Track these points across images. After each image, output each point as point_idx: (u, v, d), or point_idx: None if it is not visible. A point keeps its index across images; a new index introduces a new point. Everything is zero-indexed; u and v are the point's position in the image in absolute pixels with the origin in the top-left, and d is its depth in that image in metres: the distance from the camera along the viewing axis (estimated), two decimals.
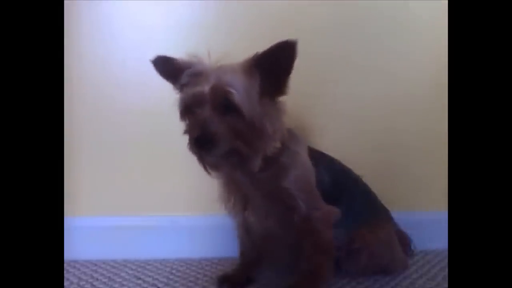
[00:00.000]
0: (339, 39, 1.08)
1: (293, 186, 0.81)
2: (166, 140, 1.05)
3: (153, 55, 0.80)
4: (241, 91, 0.72)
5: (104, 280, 0.95)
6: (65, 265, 1.02)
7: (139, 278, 0.96)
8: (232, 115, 0.72)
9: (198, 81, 0.74)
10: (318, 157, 0.88)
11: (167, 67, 0.79)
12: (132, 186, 1.08)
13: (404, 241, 1.01)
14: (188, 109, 0.76)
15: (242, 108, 0.71)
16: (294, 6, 1.06)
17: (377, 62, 1.09)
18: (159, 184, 1.08)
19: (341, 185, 0.89)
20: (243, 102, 0.71)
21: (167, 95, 0.80)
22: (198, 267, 1.02)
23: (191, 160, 0.78)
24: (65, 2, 0.79)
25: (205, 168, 0.79)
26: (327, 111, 1.10)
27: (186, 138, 0.76)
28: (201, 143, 0.72)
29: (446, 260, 1.04)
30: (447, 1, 0.66)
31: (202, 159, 0.78)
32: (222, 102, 0.72)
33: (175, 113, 0.78)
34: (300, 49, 0.72)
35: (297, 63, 0.74)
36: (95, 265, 1.03)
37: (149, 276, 0.97)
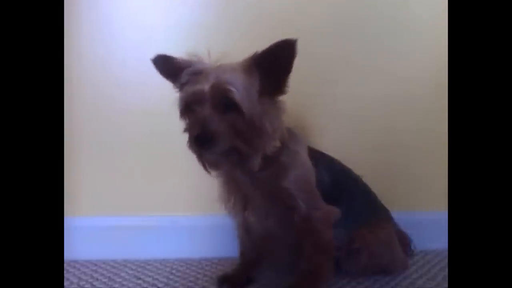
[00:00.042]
0: (339, 39, 1.08)
1: (293, 186, 0.81)
2: (166, 140, 1.05)
3: (153, 55, 0.80)
4: (241, 89, 0.72)
5: (104, 280, 0.95)
6: (65, 265, 1.02)
7: (139, 278, 0.96)
8: (232, 114, 0.72)
9: (198, 79, 0.74)
10: (318, 157, 0.88)
11: (167, 66, 0.79)
12: (132, 186, 1.08)
13: (404, 241, 1.01)
14: (188, 108, 0.76)
15: (242, 106, 0.71)
16: (294, 6, 1.06)
17: (377, 62, 1.09)
18: (159, 184, 1.08)
19: (341, 185, 0.89)
20: (243, 100, 0.72)
21: (167, 95, 0.80)
22: (198, 267, 1.02)
23: (191, 160, 0.78)
24: (65, 2, 0.80)
25: (204, 166, 0.79)
26: (327, 111, 1.10)
27: (186, 138, 0.76)
28: (201, 141, 0.72)
29: (446, 260, 1.04)
30: (447, 1, 0.65)
31: (201, 158, 0.78)
32: (222, 100, 0.72)
33: (175, 113, 0.78)
34: (300, 49, 0.72)
35: (297, 63, 0.74)
36: (95, 265, 1.03)
37: (149, 276, 0.97)
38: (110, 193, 1.08)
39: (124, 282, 0.94)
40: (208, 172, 0.80)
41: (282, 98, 0.79)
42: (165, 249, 1.08)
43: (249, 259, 0.93)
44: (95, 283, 0.94)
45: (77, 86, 1.04)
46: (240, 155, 0.74)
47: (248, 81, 0.73)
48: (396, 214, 0.99)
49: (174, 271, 1.00)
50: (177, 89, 0.80)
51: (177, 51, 0.79)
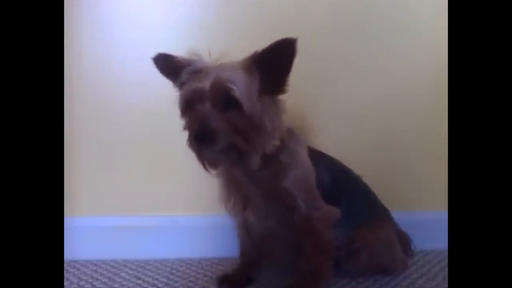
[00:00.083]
0: (339, 39, 1.08)
1: (293, 186, 0.81)
2: (166, 140, 1.05)
3: (153, 54, 0.80)
4: (241, 87, 0.72)
5: (104, 280, 0.95)
6: (65, 265, 1.02)
7: (139, 278, 0.96)
8: (232, 111, 0.72)
9: (198, 78, 0.74)
10: (318, 157, 0.88)
11: (168, 65, 0.80)
12: (132, 186, 1.08)
13: (404, 241, 1.01)
14: (188, 106, 0.76)
15: (242, 103, 0.71)
16: (294, 6, 1.06)
17: (377, 62, 1.09)
18: (159, 184, 1.08)
19: (341, 185, 0.89)
20: (244, 98, 0.72)
21: (167, 95, 0.80)
22: (198, 267, 1.02)
23: (191, 160, 0.78)
24: (65, 2, 0.80)
25: (204, 165, 0.79)
26: (327, 111, 1.10)
27: (185, 139, 0.76)
28: (201, 138, 0.72)
29: (446, 260, 1.04)
30: (447, 1, 0.65)
31: (201, 156, 0.78)
32: (223, 98, 0.72)
33: (175, 113, 0.78)
34: (300, 49, 0.72)
35: (297, 63, 0.74)
36: (95, 265, 1.03)
37: (149, 276, 0.97)
38: (110, 193, 1.08)
39: (124, 282, 0.94)
40: (208, 171, 0.80)
41: (282, 97, 0.80)
42: (165, 249, 1.08)
43: (249, 259, 0.93)
44: (95, 283, 0.94)
45: (77, 86, 1.04)
46: (240, 153, 0.74)
47: (248, 79, 0.73)
48: (396, 214, 0.99)
49: (174, 271, 1.00)
50: (177, 88, 0.80)
51: (177, 51, 0.79)
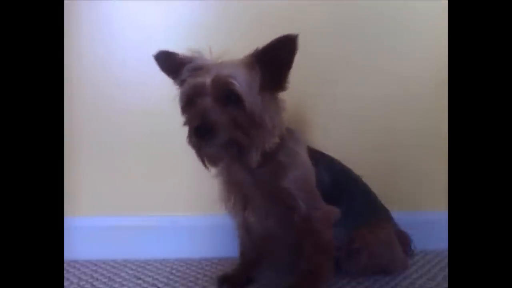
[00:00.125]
0: (339, 39, 1.08)
1: (293, 186, 0.81)
2: (166, 140, 1.05)
3: (153, 53, 0.80)
4: (242, 83, 0.72)
5: (104, 280, 0.95)
6: (65, 265, 1.02)
7: (139, 278, 0.96)
8: (233, 107, 0.72)
9: (199, 74, 0.74)
10: (318, 157, 0.88)
11: (169, 63, 0.80)
12: (132, 186, 1.08)
13: (404, 241, 1.01)
14: (189, 102, 0.76)
15: (243, 98, 0.71)
16: (294, 6, 1.06)
17: (377, 62, 1.09)
18: (159, 184, 1.08)
19: (341, 185, 0.89)
20: (244, 93, 0.72)
21: (167, 95, 0.80)
22: (198, 267, 1.02)
23: (191, 160, 0.78)
24: (65, 2, 0.80)
25: (203, 162, 0.79)
26: (327, 111, 1.10)
27: (185, 138, 0.76)
28: (201, 133, 0.72)
29: (446, 260, 1.04)
30: (447, 1, 0.65)
31: (201, 152, 0.77)
32: (224, 93, 0.72)
33: (175, 112, 0.78)
34: (300, 49, 0.72)
35: (297, 63, 0.74)
36: (95, 265, 1.03)
37: (149, 276, 0.97)
38: (110, 193, 1.08)
39: (124, 282, 0.94)
40: (207, 167, 0.80)
41: (282, 97, 0.80)
42: (165, 249, 1.08)
43: (249, 259, 0.93)
44: (95, 283, 0.94)
45: (77, 86, 1.04)
46: (240, 149, 0.74)
47: (249, 75, 0.74)
48: (396, 214, 0.99)
49: (174, 271, 1.00)
50: (177, 86, 0.80)
51: (177, 51, 0.79)
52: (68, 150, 1.00)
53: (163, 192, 1.09)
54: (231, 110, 0.72)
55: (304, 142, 0.89)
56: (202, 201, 1.07)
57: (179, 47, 0.80)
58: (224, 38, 1.04)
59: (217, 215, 0.99)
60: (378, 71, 1.10)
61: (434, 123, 1.11)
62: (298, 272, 0.83)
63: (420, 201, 1.14)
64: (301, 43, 0.71)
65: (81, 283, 0.94)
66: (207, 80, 0.73)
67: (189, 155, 0.78)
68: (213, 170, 0.85)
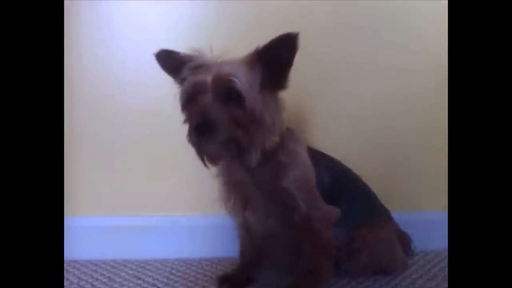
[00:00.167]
0: (339, 39, 1.08)
1: (293, 186, 0.81)
2: (166, 140, 1.05)
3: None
4: (243, 81, 0.72)
5: (104, 280, 0.95)
6: (65, 265, 1.02)
7: (139, 278, 0.96)
8: (234, 104, 0.72)
9: (200, 72, 0.74)
10: (318, 157, 0.88)
11: (170, 61, 0.80)
12: (132, 186, 1.08)
13: (404, 241, 1.01)
14: (190, 99, 0.76)
15: (244, 96, 0.71)
16: (294, 6, 1.06)
17: (377, 61, 1.09)
18: (159, 184, 1.08)
19: (341, 185, 0.89)
20: (245, 92, 0.72)
21: (167, 95, 0.80)
22: (198, 267, 1.02)
23: (191, 160, 0.78)
24: (65, 2, 0.80)
25: (203, 160, 0.78)
26: (327, 110, 1.10)
27: (186, 138, 0.76)
28: (201, 130, 0.72)
29: (446, 260, 1.04)
30: None
31: (200, 150, 0.77)
32: (224, 90, 0.72)
33: (175, 112, 0.78)
34: (300, 49, 0.72)
35: (297, 63, 0.74)
36: (95, 265, 1.03)
37: (149, 276, 0.97)
38: (110, 193, 1.08)
39: (124, 282, 0.94)
40: (207, 166, 0.79)
41: (282, 96, 0.80)
42: (165, 249, 1.08)
43: (249, 259, 0.93)
44: (95, 283, 0.94)
45: (77, 86, 1.04)
46: (240, 147, 0.74)
47: (250, 74, 0.74)
48: (396, 214, 0.99)
49: (174, 271, 1.00)
50: (178, 85, 0.80)
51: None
52: (68, 150, 1.00)
53: (163, 192, 1.09)
54: (231, 108, 0.73)
55: (304, 142, 0.89)
56: (202, 201, 1.07)
57: (179, 47, 0.80)
58: (224, 38, 1.04)
59: (217, 215, 0.99)
60: (378, 70, 1.10)
61: (434, 122, 1.11)
62: (298, 272, 0.83)
63: (420, 201, 1.14)
64: (301, 42, 0.71)
65: (81, 283, 0.94)
66: (208, 78, 0.73)
67: (189, 155, 0.78)
68: (213, 170, 0.85)
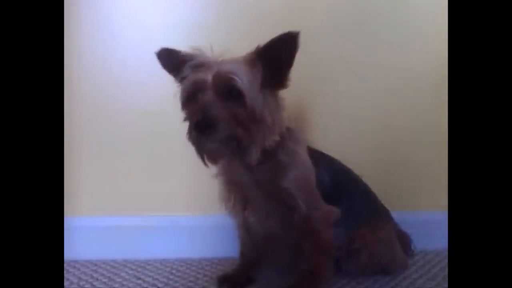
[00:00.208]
0: (339, 38, 1.08)
1: (293, 186, 0.81)
2: (166, 140, 1.05)
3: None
4: (244, 79, 0.72)
5: (104, 280, 0.95)
6: (65, 265, 1.02)
7: (139, 278, 0.96)
8: (234, 102, 0.72)
9: (200, 70, 0.74)
10: (318, 157, 0.88)
11: (171, 60, 0.80)
12: (132, 186, 1.08)
13: (404, 241, 1.01)
14: (190, 97, 0.76)
15: (245, 94, 0.72)
16: (294, 5, 1.06)
17: (377, 60, 1.09)
18: (159, 184, 1.08)
19: (341, 185, 0.89)
20: (246, 89, 0.72)
21: (167, 95, 0.80)
22: (198, 267, 1.02)
23: (191, 160, 0.78)
24: (65, 2, 0.80)
25: (203, 159, 0.78)
26: (327, 110, 1.10)
27: (186, 135, 0.76)
28: (202, 128, 0.72)
29: (446, 260, 1.04)
30: None
31: (201, 148, 0.77)
32: (225, 88, 0.72)
33: (175, 112, 0.78)
34: (300, 48, 0.72)
35: (297, 62, 0.74)
36: (95, 265, 1.03)
37: (149, 276, 0.97)
38: (110, 193, 1.08)
39: (124, 282, 0.94)
40: (207, 165, 0.79)
41: (282, 96, 0.80)
42: (165, 249, 1.08)
43: (249, 259, 0.93)
44: (95, 283, 0.94)
45: (77, 86, 1.04)
46: (240, 145, 0.74)
47: (251, 72, 0.74)
48: (396, 214, 0.99)
49: (174, 271, 1.00)
50: (178, 83, 0.80)
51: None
52: (68, 150, 1.00)
53: (163, 192, 1.09)
54: (232, 106, 0.73)
55: (304, 141, 0.89)
56: (202, 201, 1.07)
57: (180, 47, 0.80)
58: (224, 38, 1.04)
59: (217, 215, 0.99)
60: (378, 69, 1.10)
61: (434, 122, 1.11)
62: (298, 272, 0.83)
63: (420, 201, 1.14)
64: (301, 42, 0.71)
65: (81, 283, 0.94)
66: (208, 76, 0.73)
67: (189, 155, 0.78)
68: (213, 170, 0.85)
